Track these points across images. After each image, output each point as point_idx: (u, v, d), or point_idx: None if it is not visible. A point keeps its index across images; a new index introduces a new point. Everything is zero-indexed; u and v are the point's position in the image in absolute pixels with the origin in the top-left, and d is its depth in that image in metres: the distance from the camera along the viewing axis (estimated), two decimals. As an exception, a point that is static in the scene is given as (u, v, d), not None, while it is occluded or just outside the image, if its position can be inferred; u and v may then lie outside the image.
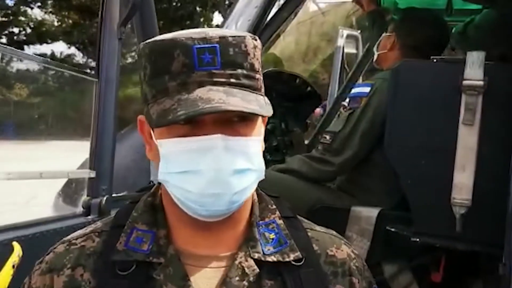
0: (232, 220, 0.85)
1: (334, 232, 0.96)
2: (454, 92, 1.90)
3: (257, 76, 0.82)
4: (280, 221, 0.90)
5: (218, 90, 0.76)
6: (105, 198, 1.70)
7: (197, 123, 0.77)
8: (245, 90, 0.79)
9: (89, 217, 1.69)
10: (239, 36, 0.79)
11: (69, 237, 0.90)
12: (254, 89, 0.80)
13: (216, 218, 0.82)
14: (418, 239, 1.98)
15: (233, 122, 0.78)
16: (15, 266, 1.11)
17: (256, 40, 0.82)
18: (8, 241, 1.22)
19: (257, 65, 0.82)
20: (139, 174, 2.26)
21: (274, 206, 0.91)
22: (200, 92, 0.75)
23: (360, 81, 4.04)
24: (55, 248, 0.88)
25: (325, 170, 2.35)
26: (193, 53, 0.76)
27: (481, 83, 1.86)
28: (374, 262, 2.19)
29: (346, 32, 4.79)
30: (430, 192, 1.97)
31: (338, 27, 5.03)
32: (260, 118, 0.83)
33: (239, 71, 0.78)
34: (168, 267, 0.82)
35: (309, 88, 3.34)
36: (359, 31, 5.02)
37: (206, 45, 0.76)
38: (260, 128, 0.84)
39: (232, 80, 0.78)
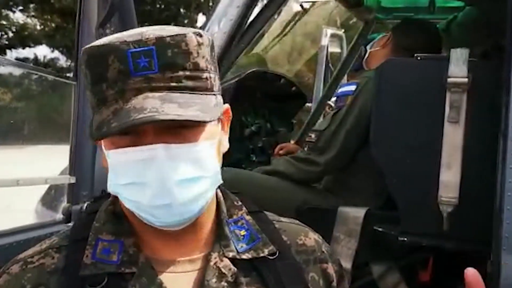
0: (197, 225, 0.82)
1: (297, 221, 0.95)
2: (439, 90, 1.89)
3: (205, 75, 0.76)
4: (248, 217, 0.88)
5: (154, 97, 0.72)
6: (85, 204, 1.66)
7: (139, 133, 0.74)
8: (189, 93, 0.74)
9: (70, 224, 1.64)
10: (178, 35, 0.74)
11: (22, 255, 0.82)
12: (202, 90, 0.76)
13: (177, 227, 0.79)
14: (405, 239, 1.96)
15: (178, 129, 0.74)
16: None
17: (201, 36, 0.77)
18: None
19: (203, 64, 0.76)
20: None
21: (240, 203, 0.90)
22: (135, 101, 0.72)
23: (345, 80, 4.04)
24: (8, 268, 0.81)
25: (311, 170, 2.34)
26: (128, 58, 0.72)
27: (465, 80, 1.85)
28: (362, 262, 2.18)
29: (330, 31, 4.79)
30: (417, 190, 1.96)
31: (321, 27, 5.02)
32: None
33: (181, 73, 0.74)
34: (141, 276, 0.78)
35: (294, 88, 3.33)
36: (343, 30, 5.02)
37: (142, 48, 0.72)
38: (213, 129, 0.79)
39: (173, 84, 0.73)
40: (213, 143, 0.78)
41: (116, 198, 0.84)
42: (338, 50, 4.96)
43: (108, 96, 0.74)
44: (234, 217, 0.87)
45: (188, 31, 0.76)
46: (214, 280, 0.79)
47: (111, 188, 0.78)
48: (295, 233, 0.91)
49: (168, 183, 0.73)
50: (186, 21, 18.33)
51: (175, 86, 0.74)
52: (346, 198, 2.32)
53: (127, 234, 0.81)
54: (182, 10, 19.14)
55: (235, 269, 0.81)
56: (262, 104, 3.21)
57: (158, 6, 18.58)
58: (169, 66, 0.73)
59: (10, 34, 18.61)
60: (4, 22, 17.98)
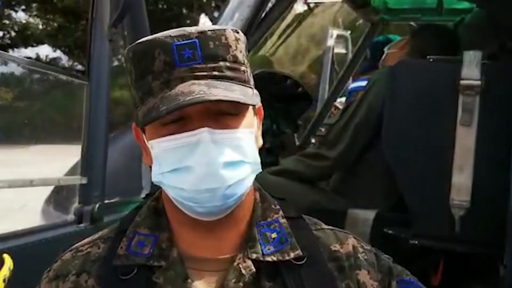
0: (233, 220, 0.83)
1: (342, 230, 0.93)
2: (451, 92, 1.88)
3: (242, 68, 0.81)
4: (283, 220, 0.87)
5: (200, 83, 0.76)
6: (97, 205, 1.65)
7: (184, 121, 0.77)
8: (229, 82, 0.78)
9: (81, 225, 1.64)
10: (218, 30, 0.79)
11: (77, 244, 0.90)
12: (239, 81, 0.79)
13: (215, 216, 0.80)
14: (416, 242, 1.95)
15: (221, 116, 0.77)
16: (6, 280, 1.05)
17: (238, 32, 0.82)
18: (-2, 252, 1.17)
19: (241, 57, 0.81)
20: (131, 179, 2.21)
21: (277, 206, 0.89)
22: (181, 87, 0.75)
23: (350, 81, 4.03)
24: (63, 256, 0.89)
25: (320, 165, 2.33)
26: (173, 50, 0.76)
27: (479, 82, 1.84)
28: (371, 265, 2.16)
29: (335, 32, 4.78)
30: (429, 193, 1.95)
31: (326, 28, 5.03)
32: (251, 110, 0.82)
33: (222, 63, 0.78)
34: (169, 270, 0.81)
35: (300, 89, 3.31)
36: (349, 32, 5.02)
37: (185, 41, 0.77)
38: (251, 120, 0.82)
39: (215, 73, 0.77)
40: (252, 131, 0.82)
41: (159, 194, 0.88)
42: (343, 51, 4.95)
43: (154, 87, 0.77)
44: (268, 219, 0.87)
45: (226, 27, 0.81)
46: (233, 281, 0.80)
47: (154, 178, 0.81)
48: (331, 240, 0.89)
49: (213, 167, 0.75)
50: (188, 22, 18.33)
51: (217, 75, 0.77)
52: (356, 200, 2.31)
53: (162, 229, 0.85)
54: (185, 10, 19.15)
55: (254, 269, 0.81)
56: (269, 105, 3.20)
57: (160, 6, 18.59)
58: (211, 57, 0.77)
59: (13, 34, 18.62)
60: (7, 22, 17.98)
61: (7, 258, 1.11)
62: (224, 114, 0.77)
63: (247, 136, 0.80)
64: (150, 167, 0.84)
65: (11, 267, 1.09)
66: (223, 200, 0.78)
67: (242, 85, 0.79)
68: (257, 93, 0.83)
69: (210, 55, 0.77)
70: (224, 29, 0.79)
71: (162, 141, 0.78)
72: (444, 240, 1.93)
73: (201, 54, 0.76)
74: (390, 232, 2.12)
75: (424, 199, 1.97)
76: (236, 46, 0.80)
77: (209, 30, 0.78)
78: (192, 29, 0.78)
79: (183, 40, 0.76)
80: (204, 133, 0.75)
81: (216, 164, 0.75)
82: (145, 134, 0.82)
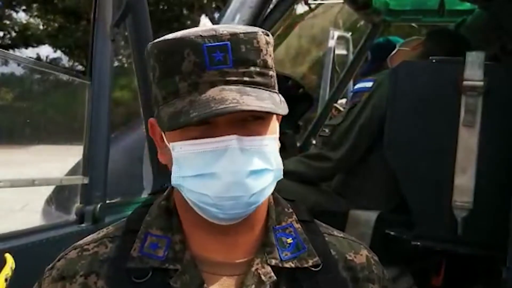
0: (248, 224, 0.82)
1: (353, 238, 0.92)
2: (454, 93, 1.88)
3: (271, 73, 0.78)
4: (298, 225, 0.86)
5: (231, 89, 0.73)
6: (99, 205, 1.65)
7: (210, 125, 0.75)
8: (259, 88, 0.76)
9: (83, 225, 1.63)
10: (250, 32, 0.76)
11: (80, 242, 0.86)
12: (268, 86, 0.78)
13: (234, 221, 0.79)
14: (418, 243, 1.95)
15: (247, 122, 0.76)
16: (8, 280, 1.05)
17: (268, 35, 0.79)
18: (-1, 252, 1.17)
19: (270, 62, 0.79)
20: (132, 179, 2.21)
21: (291, 210, 0.88)
22: (213, 93, 0.73)
23: (350, 83, 4.03)
24: (66, 254, 0.85)
25: (323, 167, 2.32)
26: (203, 51, 0.74)
27: (481, 83, 1.84)
28: (373, 266, 2.16)
29: (336, 33, 4.77)
30: (431, 194, 1.95)
31: (327, 29, 5.02)
32: (274, 116, 0.80)
33: (252, 68, 0.75)
34: (184, 274, 0.79)
35: (301, 90, 3.31)
36: (350, 33, 5.02)
37: (217, 43, 0.74)
38: (275, 126, 0.80)
39: (246, 78, 0.75)
40: (276, 138, 0.80)
41: (170, 193, 0.86)
42: (344, 52, 4.95)
43: (181, 88, 0.75)
44: (283, 224, 0.86)
45: (257, 30, 0.78)
46: (253, 286, 0.79)
47: (175, 181, 0.78)
48: (346, 248, 0.88)
49: (239, 175, 0.74)
50: (189, 22, 18.35)
51: (248, 81, 0.75)
52: (357, 201, 2.30)
53: (175, 231, 0.82)
54: (185, 11, 19.17)
55: (275, 278, 0.80)
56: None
57: (161, 7, 18.61)
58: (242, 62, 0.75)
59: (13, 34, 18.63)
60: (8, 22, 17.99)
61: (9, 257, 1.10)
62: (250, 121, 0.76)
63: (272, 143, 0.78)
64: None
65: (13, 266, 1.09)
66: (246, 207, 0.76)
67: (270, 91, 0.77)
68: (283, 99, 0.81)
69: (241, 59, 0.75)
70: (256, 32, 0.77)
71: (186, 144, 0.76)
72: (446, 242, 1.93)
73: (232, 58, 0.74)
74: (392, 233, 2.12)
75: (426, 200, 1.97)
76: (267, 50, 0.77)
77: (241, 33, 0.75)
78: (224, 30, 0.75)
79: (215, 42, 0.74)
80: (233, 141, 0.73)
81: (243, 173, 0.74)
82: (165, 134, 0.80)
